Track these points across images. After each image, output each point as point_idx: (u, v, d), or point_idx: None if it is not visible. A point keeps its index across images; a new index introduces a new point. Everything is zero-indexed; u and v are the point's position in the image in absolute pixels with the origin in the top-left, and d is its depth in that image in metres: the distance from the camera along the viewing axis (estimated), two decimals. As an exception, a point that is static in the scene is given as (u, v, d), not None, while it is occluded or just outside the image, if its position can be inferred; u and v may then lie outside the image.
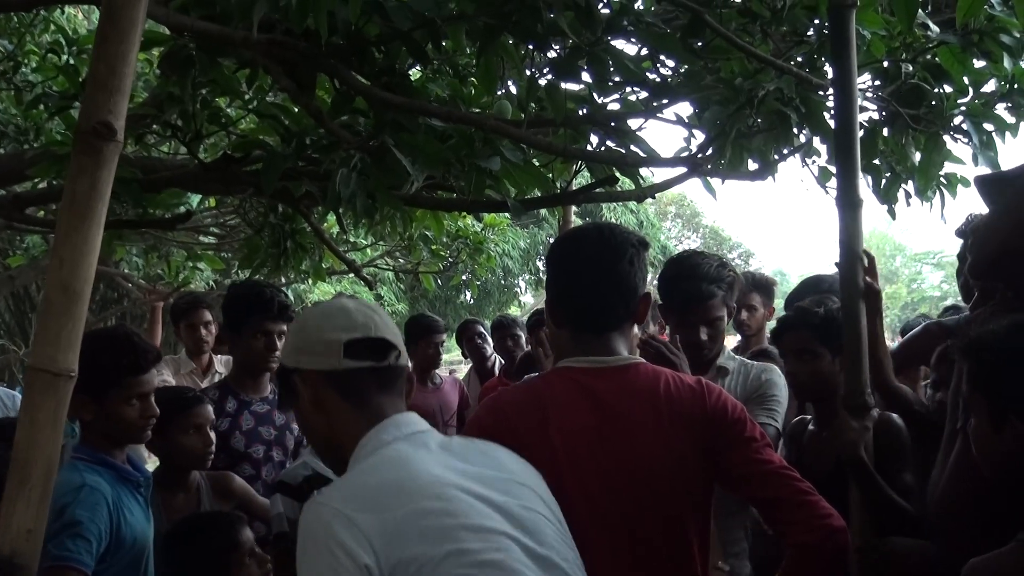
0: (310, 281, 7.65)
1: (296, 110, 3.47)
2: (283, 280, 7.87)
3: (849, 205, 2.60)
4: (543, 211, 12.70)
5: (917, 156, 3.36)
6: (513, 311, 18.47)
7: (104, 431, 2.58)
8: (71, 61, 4.28)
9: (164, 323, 6.70)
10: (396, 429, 1.76)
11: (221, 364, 5.36)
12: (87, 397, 2.45)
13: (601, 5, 3.04)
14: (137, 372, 2.59)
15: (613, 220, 19.39)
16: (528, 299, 21.44)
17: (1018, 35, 2.91)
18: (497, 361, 6.13)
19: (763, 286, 4.82)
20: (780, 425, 3.18)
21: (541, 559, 1.70)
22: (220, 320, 5.42)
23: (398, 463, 1.69)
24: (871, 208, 3.80)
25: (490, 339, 6.17)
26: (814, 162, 3.77)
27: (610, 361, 2.22)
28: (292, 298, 10.99)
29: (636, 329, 2.40)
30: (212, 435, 3.10)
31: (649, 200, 4.32)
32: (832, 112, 2.78)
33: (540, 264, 19.31)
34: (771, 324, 4.43)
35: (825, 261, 3.11)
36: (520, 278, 20.14)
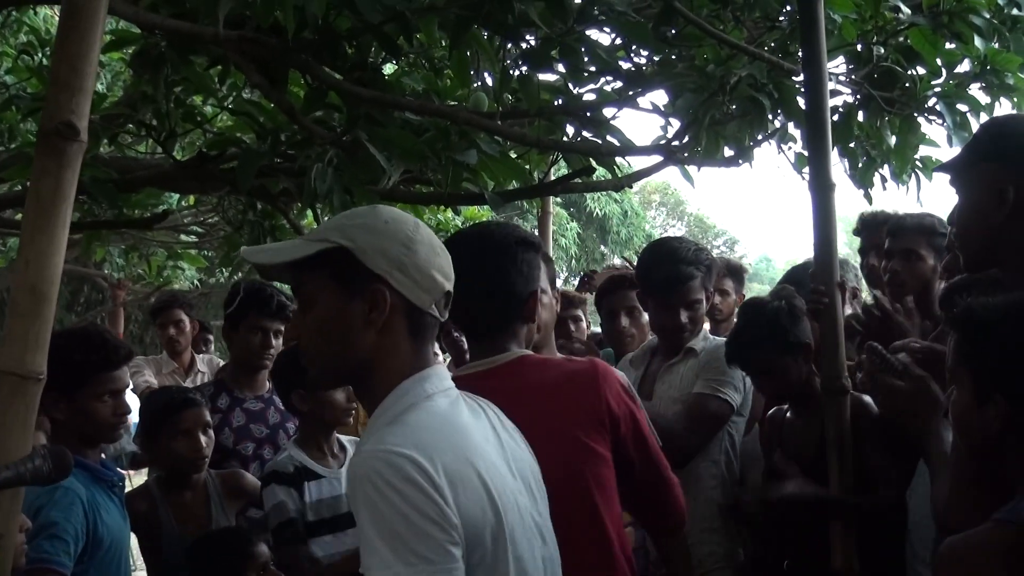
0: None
1: (271, 106, 3.46)
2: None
3: (822, 188, 2.61)
4: (526, 202, 12.67)
5: (893, 139, 3.37)
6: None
7: (77, 430, 2.56)
8: (44, 62, 4.25)
9: (130, 320, 6.68)
10: (439, 381, 1.67)
11: (203, 363, 5.35)
12: (58, 395, 2.43)
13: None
14: (108, 368, 2.58)
15: (596, 210, 19.36)
16: (514, 291, 21.40)
17: (988, 16, 2.92)
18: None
19: (735, 271, 4.88)
20: (731, 399, 3.15)
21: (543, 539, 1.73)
22: (198, 319, 5.43)
23: (451, 422, 1.63)
24: (851, 194, 3.82)
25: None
26: (790, 148, 3.78)
27: (493, 361, 2.18)
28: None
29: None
30: (204, 438, 3.05)
31: (634, 189, 4.33)
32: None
33: (526, 256, 19.27)
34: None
35: (810, 246, 3.11)
36: (506, 270, 20.13)
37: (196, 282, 10.33)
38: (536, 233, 6.35)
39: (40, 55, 4.26)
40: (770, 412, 3.17)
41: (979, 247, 2.12)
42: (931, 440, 2.27)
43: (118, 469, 2.79)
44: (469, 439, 1.62)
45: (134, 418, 3.16)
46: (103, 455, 2.88)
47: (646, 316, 3.80)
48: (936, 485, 2.23)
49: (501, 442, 1.73)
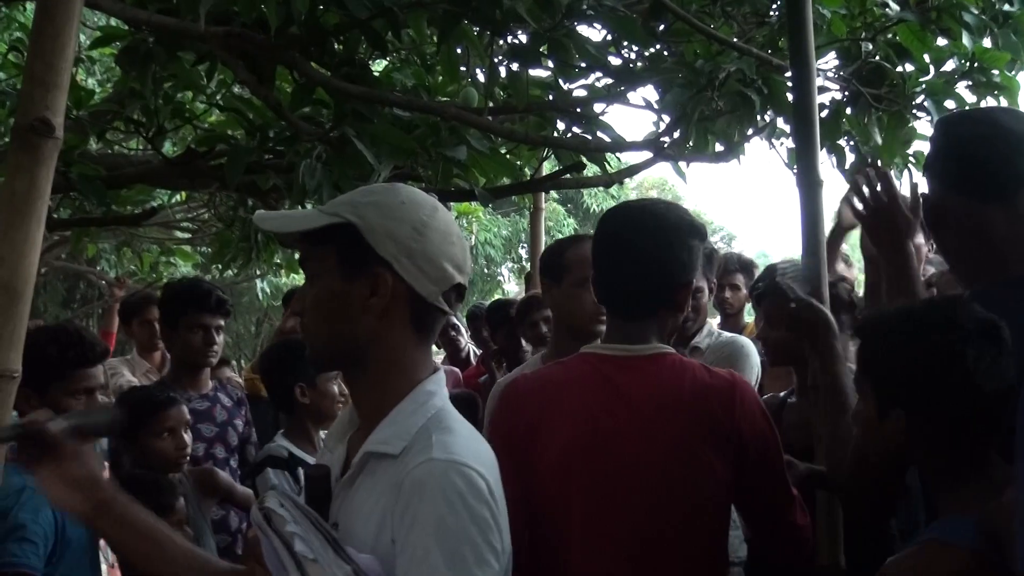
0: (284, 272, 7.60)
1: (260, 103, 3.45)
2: (257, 272, 7.84)
3: (810, 185, 2.58)
4: (519, 198, 12.68)
5: (879, 136, 3.36)
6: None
7: None
8: (34, 58, 4.23)
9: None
10: (445, 388, 1.59)
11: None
12: (31, 391, 2.39)
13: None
14: (84, 365, 2.53)
15: (593, 206, 19.36)
16: (512, 287, 21.42)
17: (976, 12, 2.91)
18: (472, 352, 6.10)
19: (746, 267, 4.91)
20: None
21: None
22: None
23: (478, 433, 1.56)
24: (842, 190, 3.83)
25: (464, 330, 6.14)
26: (782, 143, 3.78)
27: (635, 350, 2.07)
28: (270, 291, 11.01)
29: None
30: (187, 436, 3.02)
31: (631, 185, 4.33)
32: (794, 93, 2.77)
33: (523, 252, 19.29)
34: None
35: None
36: (503, 266, 20.13)
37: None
38: (529, 229, 6.36)
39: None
40: (764, 399, 3.15)
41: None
42: (824, 371, 2.23)
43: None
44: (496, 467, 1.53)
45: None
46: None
47: None
48: (830, 442, 2.19)
49: None
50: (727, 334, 3.45)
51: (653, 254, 2.07)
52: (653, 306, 2.10)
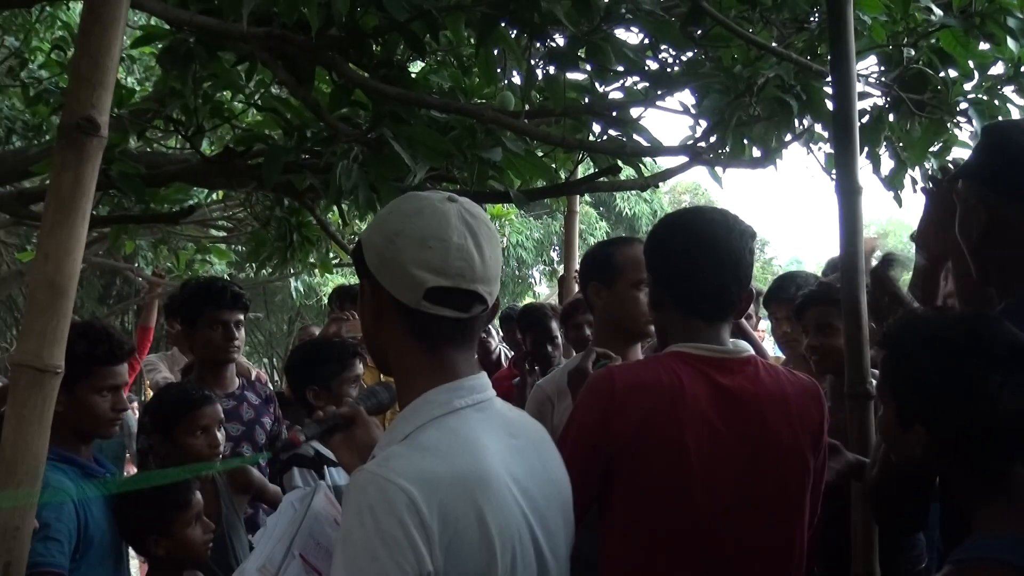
0: (317, 272, 7.65)
1: (298, 103, 3.47)
2: (291, 272, 7.89)
3: (848, 192, 2.57)
4: (552, 201, 12.66)
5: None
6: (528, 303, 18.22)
7: (73, 424, 2.51)
8: (76, 57, 4.28)
9: (161, 312, 6.64)
10: (469, 395, 1.56)
11: None
12: (60, 386, 2.40)
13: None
14: (110, 362, 2.55)
15: (626, 210, 19.31)
16: (543, 290, 21.39)
17: (1021, 17, 2.87)
18: (503, 354, 6.10)
19: (759, 295, 4.87)
20: None
21: None
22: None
23: (469, 447, 1.51)
24: (885, 195, 3.79)
25: (494, 332, 6.15)
26: (819, 148, 3.75)
27: (728, 352, 2.10)
28: (303, 290, 11.06)
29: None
30: (220, 434, 3.04)
31: (664, 189, 4.32)
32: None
33: (555, 255, 19.28)
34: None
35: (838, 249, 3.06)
36: (535, 269, 20.11)
37: (227, 276, 10.40)
38: (563, 232, 6.35)
39: (72, 50, 4.30)
40: None
41: (969, 264, 2.06)
42: None
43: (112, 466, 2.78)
44: (483, 467, 1.50)
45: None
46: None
47: None
48: None
49: (528, 466, 1.61)
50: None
51: (744, 259, 2.13)
52: (730, 309, 2.15)
